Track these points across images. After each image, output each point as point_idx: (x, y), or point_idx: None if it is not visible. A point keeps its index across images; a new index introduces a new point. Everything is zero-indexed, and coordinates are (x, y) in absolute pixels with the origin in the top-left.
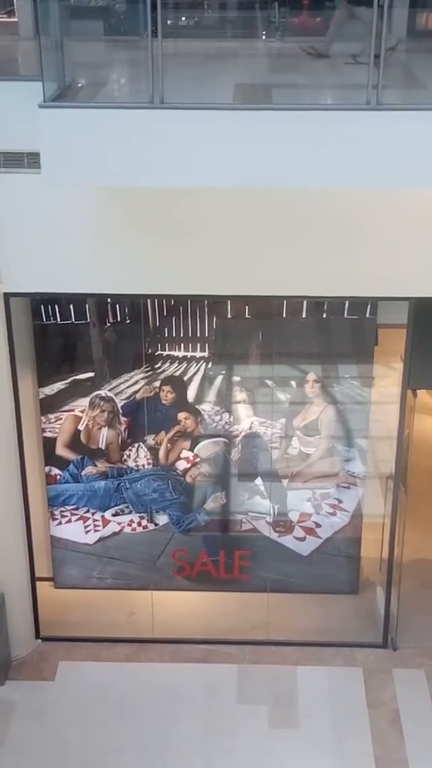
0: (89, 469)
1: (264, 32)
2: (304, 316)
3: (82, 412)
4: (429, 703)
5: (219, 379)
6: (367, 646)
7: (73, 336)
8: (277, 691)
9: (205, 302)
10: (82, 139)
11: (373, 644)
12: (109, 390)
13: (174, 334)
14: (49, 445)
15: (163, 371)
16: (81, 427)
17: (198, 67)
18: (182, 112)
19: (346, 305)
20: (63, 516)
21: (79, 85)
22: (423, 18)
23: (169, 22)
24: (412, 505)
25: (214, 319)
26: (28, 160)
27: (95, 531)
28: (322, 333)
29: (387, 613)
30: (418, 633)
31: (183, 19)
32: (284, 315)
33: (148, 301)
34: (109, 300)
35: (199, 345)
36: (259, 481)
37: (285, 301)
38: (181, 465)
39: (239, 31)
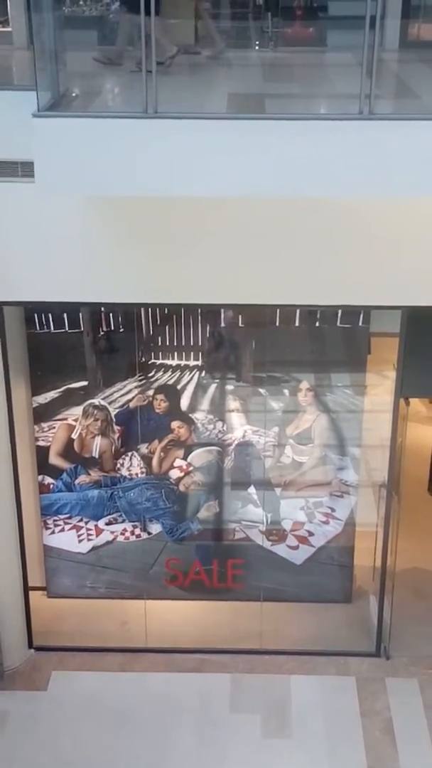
0: (82, 478)
1: (257, 42)
2: (297, 324)
3: (76, 420)
4: (422, 712)
5: (212, 388)
6: (360, 655)
7: (67, 345)
8: (270, 701)
9: (199, 311)
10: (76, 149)
11: (366, 653)
12: (103, 399)
13: (167, 343)
14: (42, 453)
15: (157, 380)
16: (74, 435)
17: (191, 77)
18: (176, 122)
19: (339, 314)
20: (56, 525)
21: (74, 94)
22: (415, 28)
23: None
24: (404, 513)
25: (208, 327)
26: (22, 169)
27: (88, 540)
28: (315, 342)
29: (380, 621)
30: (411, 642)
31: None
32: (277, 324)
33: (142, 309)
34: (102, 309)
35: (192, 354)
36: (252, 489)
37: (278, 310)
38: (175, 474)
39: (232, 41)
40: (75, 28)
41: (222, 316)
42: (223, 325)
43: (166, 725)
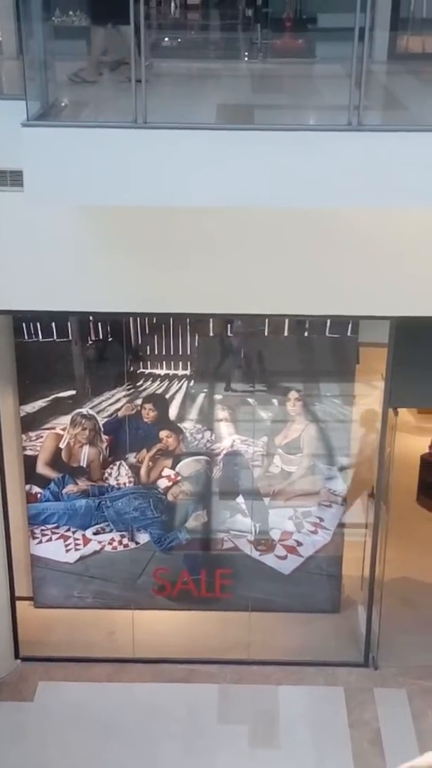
0: (70, 488)
1: (246, 53)
2: (285, 334)
3: (64, 429)
4: (410, 723)
5: (201, 397)
6: (349, 665)
7: (55, 354)
8: (258, 711)
9: (187, 320)
10: (65, 158)
11: (355, 663)
12: (91, 408)
13: (156, 352)
14: (29, 463)
15: (145, 389)
16: (62, 445)
17: (181, 88)
18: (165, 132)
19: (328, 324)
20: (43, 534)
21: (63, 104)
22: (404, 41)
23: (151, 42)
24: (393, 523)
25: (196, 337)
26: (11, 178)
27: (76, 550)
28: (304, 351)
29: (368, 631)
30: (399, 652)
31: (166, 39)
32: (266, 333)
33: (130, 319)
34: (91, 318)
35: (180, 363)
36: (240, 499)
37: (267, 320)
38: (163, 483)
39: (222, 52)
40: (65, 38)
41: (211, 325)
42: (211, 334)
43: (153, 736)
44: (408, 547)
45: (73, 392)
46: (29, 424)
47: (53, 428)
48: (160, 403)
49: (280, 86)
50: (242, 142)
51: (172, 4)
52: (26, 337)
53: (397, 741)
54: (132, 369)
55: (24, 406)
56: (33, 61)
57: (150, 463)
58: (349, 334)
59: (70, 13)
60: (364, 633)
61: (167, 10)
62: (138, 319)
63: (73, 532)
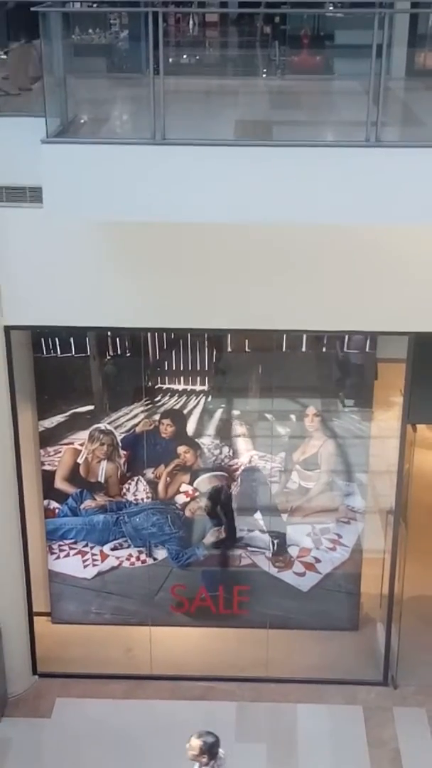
0: (88, 503)
1: (264, 70)
2: (303, 350)
3: (82, 445)
4: (430, 742)
5: (218, 413)
6: (368, 683)
7: (73, 369)
8: (276, 729)
9: (205, 336)
10: (83, 175)
11: (374, 682)
12: (109, 423)
13: (174, 368)
14: (48, 478)
15: (163, 404)
16: (80, 460)
17: (199, 104)
18: (183, 148)
19: (346, 339)
20: (61, 550)
21: (82, 121)
22: (421, 57)
23: (170, 59)
24: (412, 540)
25: (214, 352)
26: (30, 195)
27: (93, 565)
28: (322, 367)
29: (387, 649)
30: (418, 670)
31: (185, 56)
32: (284, 349)
33: (148, 334)
34: (109, 333)
35: (198, 378)
36: (258, 515)
37: (285, 335)
38: (181, 499)
39: (240, 69)
40: (84, 55)
41: (229, 340)
42: (230, 350)
43: (170, 753)
44: (428, 565)
45: (91, 407)
46: (47, 439)
47: (71, 443)
48: (178, 418)
49: (298, 103)
50: (260, 158)
51: (191, 22)
52: (44, 352)
53: (417, 761)
54: (150, 384)
55: (42, 422)
56: (52, 78)
57: (168, 479)
58: (367, 349)
59: (90, 31)
60: (384, 651)
61: (186, 27)
62: (156, 334)
63: (91, 548)
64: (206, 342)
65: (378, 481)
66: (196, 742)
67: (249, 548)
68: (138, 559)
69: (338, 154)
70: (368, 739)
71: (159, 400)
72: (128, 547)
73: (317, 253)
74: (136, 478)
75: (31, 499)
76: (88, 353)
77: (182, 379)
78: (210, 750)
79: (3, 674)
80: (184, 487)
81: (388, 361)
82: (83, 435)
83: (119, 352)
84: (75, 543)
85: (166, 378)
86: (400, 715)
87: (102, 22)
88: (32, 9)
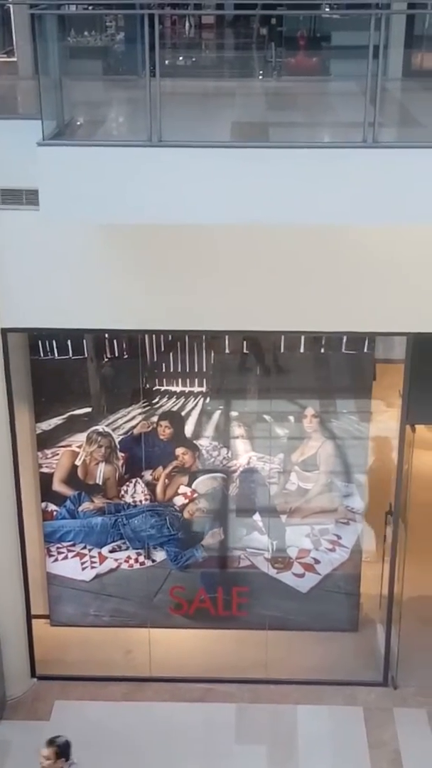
0: (86, 505)
1: (261, 72)
2: (302, 351)
3: (80, 447)
4: (430, 743)
5: (217, 414)
6: (368, 684)
7: (71, 371)
8: (276, 731)
9: (203, 337)
10: (80, 177)
11: (374, 683)
12: (107, 425)
13: (172, 369)
14: (45, 480)
15: (161, 406)
16: (78, 462)
17: (195, 106)
18: (180, 150)
19: (344, 340)
20: (59, 552)
21: (78, 123)
22: (418, 58)
23: (167, 61)
24: (411, 541)
25: (212, 354)
26: (27, 197)
27: (92, 567)
28: (320, 368)
29: (387, 650)
30: (418, 671)
31: (181, 58)
32: (282, 350)
33: (146, 336)
34: (106, 335)
35: (196, 380)
36: (257, 516)
37: (283, 337)
38: (179, 500)
39: (236, 70)
40: (80, 58)
41: (227, 342)
42: (227, 351)
43: (170, 756)
44: (427, 566)
45: (88, 410)
46: (45, 441)
47: (69, 446)
48: (176, 420)
49: (295, 104)
50: (257, 159)
51: (187, 24)
52: (42, 354)
53: (417, 761)
54: (148, 386)
55: (40, 424)
56: (48, 80)
57: (166, 481)
58: (365, 350)
59: (86, 33)
60: (383, 652)
61: (182, 29)
62: (153, 336)
63: (89, 550)
64: (204, 343)
65: (377, 482)
66: (48, 750)
67: (248, 549)
68: (136, 561)
69: (336, 155)
70: (368, 739)
71: (157, 402)
72: (127, 549)
73: (314, 255)
74: (134, 480)
75: (28, 501)
76: (86, 355)
77: (180, 380)
78: (65, 751)
79: (2, 677)
80: (183, 489)
81: (386, 362)
82: (81, 437)
83: (117, 354)
84: (73, 545)
85: (164, 380)
86: (400, 715)
87: (98, 24)
88: (29, 11)
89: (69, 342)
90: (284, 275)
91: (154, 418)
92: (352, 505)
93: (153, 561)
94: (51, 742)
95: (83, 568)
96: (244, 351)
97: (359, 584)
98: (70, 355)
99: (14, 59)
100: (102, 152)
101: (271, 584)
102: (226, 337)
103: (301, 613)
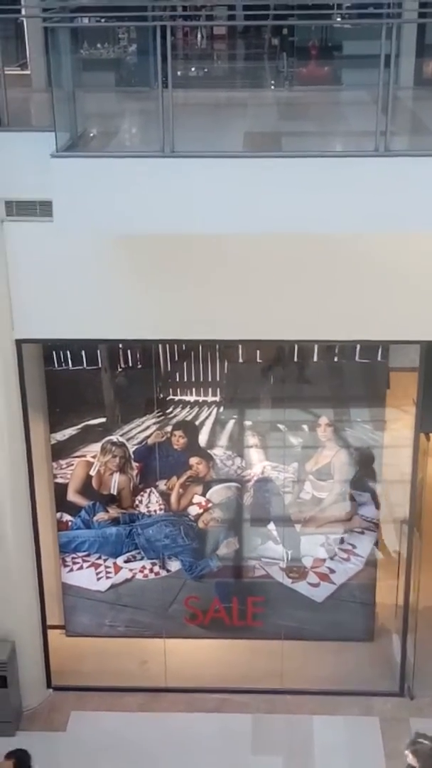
0: (101, 515)
1: (272, 82)
2: (315, 360)
3: (94, 457)
4: None
5: (231, 424)
6: (384, 694)
7: (85, 381)
8: (292, 742)
9: (217, 347)
10: (93, 188)
11: (390, 693)
12: (121, 435)
13: (185, 379)
14: (60, 491)
15: (175, 416)
16: (93, 472)
17: (208, 117)
18: (192, 161)
19: (358, 349)
20: (74, 563)
21: (91, 134)
22: (430, 66)
23: (179, 73)
24: (427, 549)
25: (226, 363)
26: (41, 209)
27: (107, 578)
28: (334, 377)
29: (403, 660)
30: None
31: (193, 69)
32: (295, 359)
33: (160, 346)
34: (120, 345)
35: (210, 389)
36: (271, 526)
37: (296, 346)
38: (194, 510)
39: (248, 81)
40: (93, 70)
41: (240, 351)
42: (241, 360)
43: (186, 767)
44: None
45: (103, 420)
46: (59, 451)
47: (83, 456)
48: (190, 429)
49: (307, 113)
50: (269, 169)
51: (199, 35)
52: (56, 365)
53: None
54: (162, 396)
55: (54, 434)
56: (61, 93)
57: (180, 490)
58: (379, 359)
59: (99, 45)
60: (400, 662)
61: (194, 40)
62: (167, 346)
63: (104, 560)
64: (218, 353)
65: (391, 491)
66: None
67: (262, 559)
68: (151, 571)
69: (348, 164)
70: (385, 750)
71: (171, 412)
72: (141, 559)
73: (328, 263)
74: (148, 490)
75: (43, 511)
76: (100, 366)
77: (194, 390)
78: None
79: (17, 688)
80: (197, 499)
81: (400, 370)
82: (95, 447)
83: (131, 364)
84: (88, 555)
85: (178, 389)
86: (417, 725)
87: (110, 36)
88: (43, 24)
89: (83, 352)
90: (297, 284)
91: (168, 428)
92: (366, 514)
93: (168, 571)
94: (7, 756)
95: (98, 579)
96: (258, 360)
97: (374, 593)
98: (84, 365)
99: (28, 72)
100: (115, 163)
101: (286, 594)
102: (240, 346)
103: (316, 623)
